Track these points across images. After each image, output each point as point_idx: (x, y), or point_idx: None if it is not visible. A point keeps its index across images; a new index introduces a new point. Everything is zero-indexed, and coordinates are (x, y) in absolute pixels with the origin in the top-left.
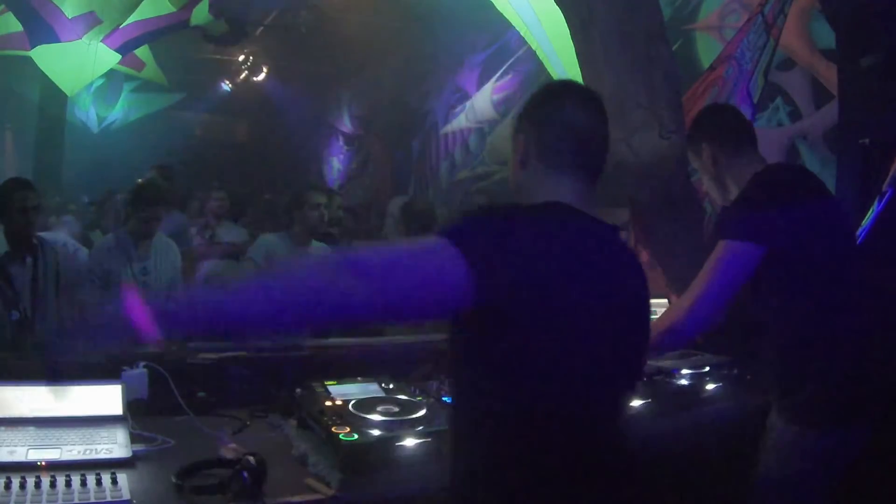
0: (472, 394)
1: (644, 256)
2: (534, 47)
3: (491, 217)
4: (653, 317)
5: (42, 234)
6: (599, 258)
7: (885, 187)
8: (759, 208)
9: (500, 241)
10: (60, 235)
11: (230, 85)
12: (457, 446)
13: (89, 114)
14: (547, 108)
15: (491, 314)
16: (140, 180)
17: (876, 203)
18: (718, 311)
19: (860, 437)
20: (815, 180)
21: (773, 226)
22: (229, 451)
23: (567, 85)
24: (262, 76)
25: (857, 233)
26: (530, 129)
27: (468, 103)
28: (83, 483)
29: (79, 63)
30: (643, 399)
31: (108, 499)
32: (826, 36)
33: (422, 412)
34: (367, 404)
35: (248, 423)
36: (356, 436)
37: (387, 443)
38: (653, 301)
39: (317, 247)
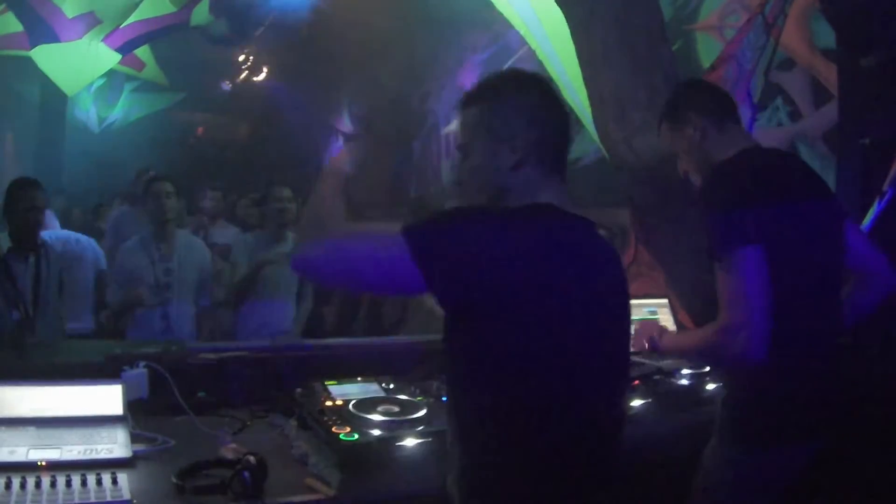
0: (461, 391)
1: (645, 256)
2: (534, 47)
3: (460, 218)
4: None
5: (47, 232)
6: (582, 255)
7: (885, 187)
8: (742, 203)
9: (463, 241)
10: (67, 231)
11: (230, 85)
12: (454, 441)
13: (89, 114)
14: (538, 107)
15: (465, 313)
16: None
17: (876, 203)
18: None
19: (802, 457)
20: (801, 171)
21: (752, 222)
22: (229, 451)
23: (536, 79)
24: (262, 76)
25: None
26: (529, 130)
27: None
28: (83, 483)
29: (79, 63)
30: (643, 399)
31: (109, 499)
32: (826, 36)
33: (422, 412)
34: (367, 404)
35: (248, 423)
36: (356, 436)
37: (387, 443)
38: (652, 301)
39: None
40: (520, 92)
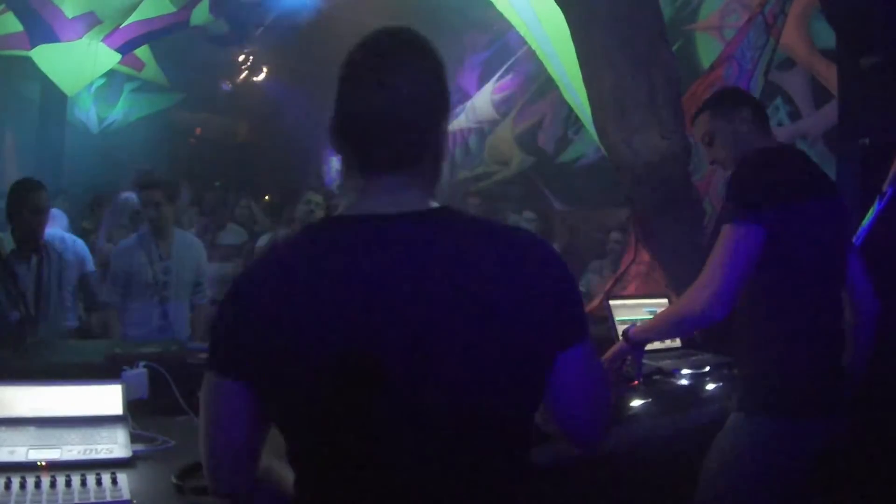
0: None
1: (645, 256)
2: (534, 47)
3: (237, 288)
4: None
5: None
6: (371, 271)
7: (885, 187)
8: (762, 189)
9: (246, 310)
10: (56, 231)
11: (230, 85)
12: None
13: (89, 114)
14: (340, 86)
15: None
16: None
17: (876, 203)
18: (737, 294)
19: (827, 429)
20: (819, 171)
21: (773, 209)
22: None
23: (359, 50)
24: (262, 76)
25: (858, 232)
26: (335, 113)
27: (468, 103)
28: (83, 483)
29: (79, 63)
30: (643, 399)
31: (108, 499)
32: (826, 36)
33: None
34: None
35: None
36: None
37: None
38: (652, 301)
39: None
40: (351, 56)
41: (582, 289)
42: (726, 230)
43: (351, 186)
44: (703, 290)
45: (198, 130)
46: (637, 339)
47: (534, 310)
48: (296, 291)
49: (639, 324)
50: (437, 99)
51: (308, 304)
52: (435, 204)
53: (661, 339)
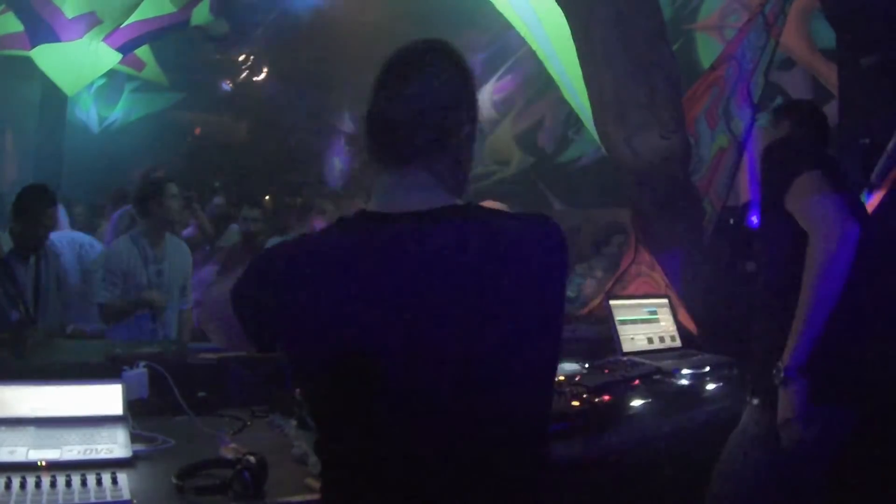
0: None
1: (645, 256)
2: (534, 47)
3: (266, 261)
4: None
5: (55, 232)
6: (398, 260)
7: (873, 178)
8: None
9: (266, 286)
10: (78, 234)
11: (230, 85)
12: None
13: (90, 114)
14: (372, 88)
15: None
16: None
17: (864, 195)
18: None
19: (848, 419)
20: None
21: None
22: (229, 451)
23: (393, 55)
24: (262, 76)
25: None
26: (365, 115)
27: None
28: (83, 483)
29: (79, 63)
30: (643, 399)
31: (108, 499)
32: (826, 36)
33: None
34: None
35: (248, 423)
36: None
37: None
38: (652, 301)
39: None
40: (385, 63)
41: (570, 293)
42: (802, 180)
43: (379, 185)
44: (823, 225)
45: (197, 130)
46: (800, 362)
47: (536, 307)
48: (313, 283)
49: (786, 352)
50: (460, 104)
51: (319, 297)
52: (454, 202)
53: (821, 315)
